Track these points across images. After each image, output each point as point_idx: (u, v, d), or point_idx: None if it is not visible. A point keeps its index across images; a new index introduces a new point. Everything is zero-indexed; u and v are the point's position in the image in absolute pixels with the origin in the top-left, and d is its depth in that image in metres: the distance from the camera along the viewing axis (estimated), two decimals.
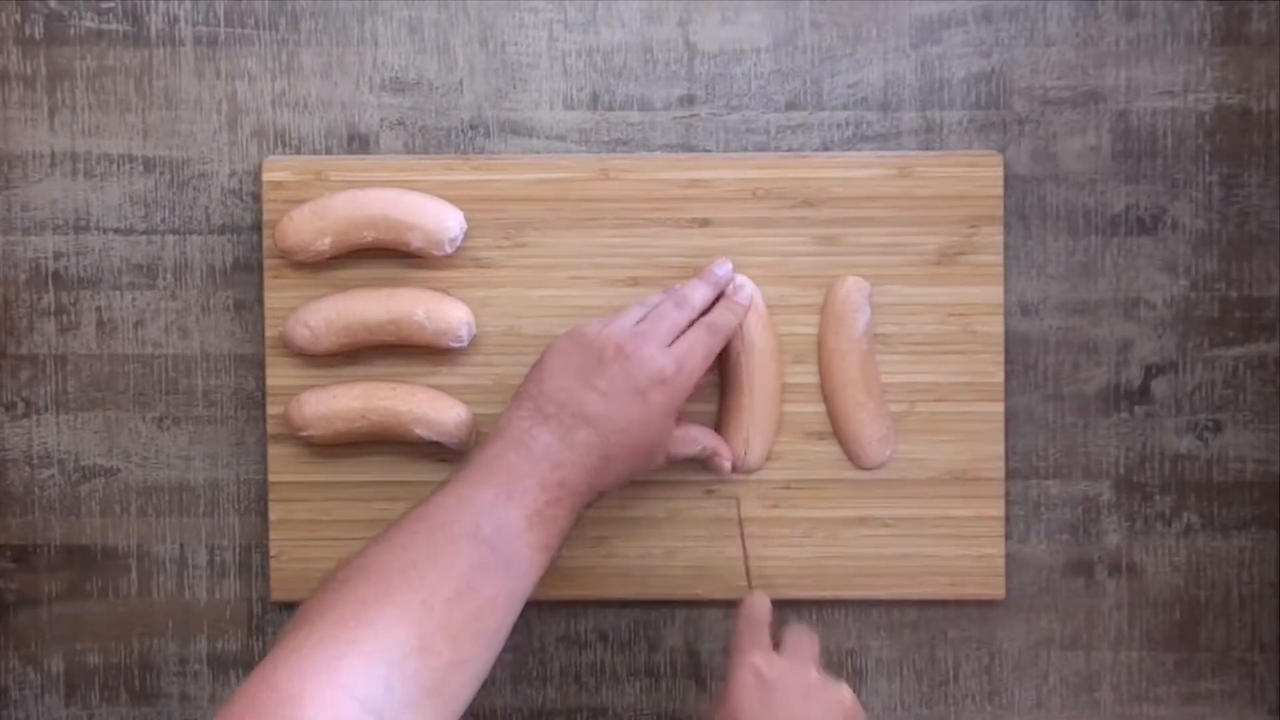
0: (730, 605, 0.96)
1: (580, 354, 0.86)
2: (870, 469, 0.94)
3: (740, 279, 0.92)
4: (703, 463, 0.92)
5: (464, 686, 0.76)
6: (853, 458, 0.94)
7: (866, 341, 0.93)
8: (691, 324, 0.89)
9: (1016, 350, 0.95)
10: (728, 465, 0.92)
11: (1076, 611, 0.97)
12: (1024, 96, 0.95)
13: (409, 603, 0.75)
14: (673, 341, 0.87)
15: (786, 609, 0.96)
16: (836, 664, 0.97)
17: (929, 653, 0.97)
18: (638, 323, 0.88)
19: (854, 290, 0.93)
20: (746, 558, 0.92)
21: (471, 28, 0.96)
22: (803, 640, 0.87)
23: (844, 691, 0.84)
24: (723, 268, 0.92)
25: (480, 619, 0.77)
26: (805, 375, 0.94)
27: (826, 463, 0.94)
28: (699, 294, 0.91)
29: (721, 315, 0.91)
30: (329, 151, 0.96)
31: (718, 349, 0.90)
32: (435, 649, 0.74)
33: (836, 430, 0.94)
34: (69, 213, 0.96)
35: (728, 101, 0.96)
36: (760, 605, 0.87)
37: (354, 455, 0.95)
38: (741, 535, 0.93)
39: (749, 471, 0.94)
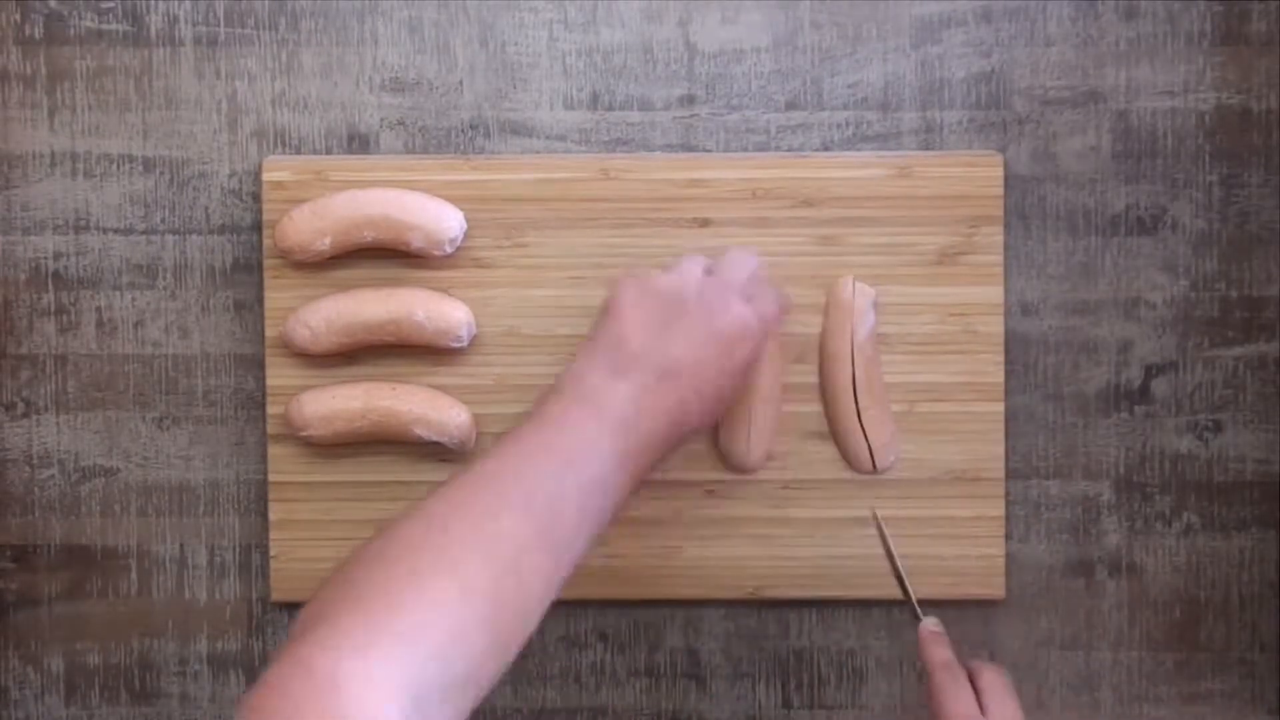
0: (730, 605, 0.96)
1: (656, 305, 0.83)
2: (872, 474, 0.94)
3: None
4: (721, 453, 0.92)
5: (498, 671, 0.71)
6: (851, 461, 0.94)
7: (871, 347, 0.93)
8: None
9: (1016, 350, 0.95)
10: None
11: (1076, 611, 0.97)
12: (1024, 96, 0.95)
13: (448, 589, 0.70)
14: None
15: (787, 609, 0.96)
16: (837, 664, 0.97)
17: None
18: (711, 269, 0.86)
19: (859, 295, 0.93)
20: (897, 570, 0.90)
21: (471, 28, 0.96)
22: (1002, 697, 0.84)
23: None
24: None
25: (525, 602, 0.73)
26: (805, 375, 0.94)
27: (826, 463, 0.94)
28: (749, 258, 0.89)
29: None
30: (329, 151, 0.96)
31: (783, 312, 0.89)
32: (473, 637, 0.69)
33: (834, 433, 0.94)
34: (69, 213, 0.96)
35: (728, 101, 0.96)
36: (939, 637, 0.86)
37: (354, 455, 0.95)
38: (887, 548, 0.91)
39: (749, 471, 0.94)
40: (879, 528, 0.91)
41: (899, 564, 0.90)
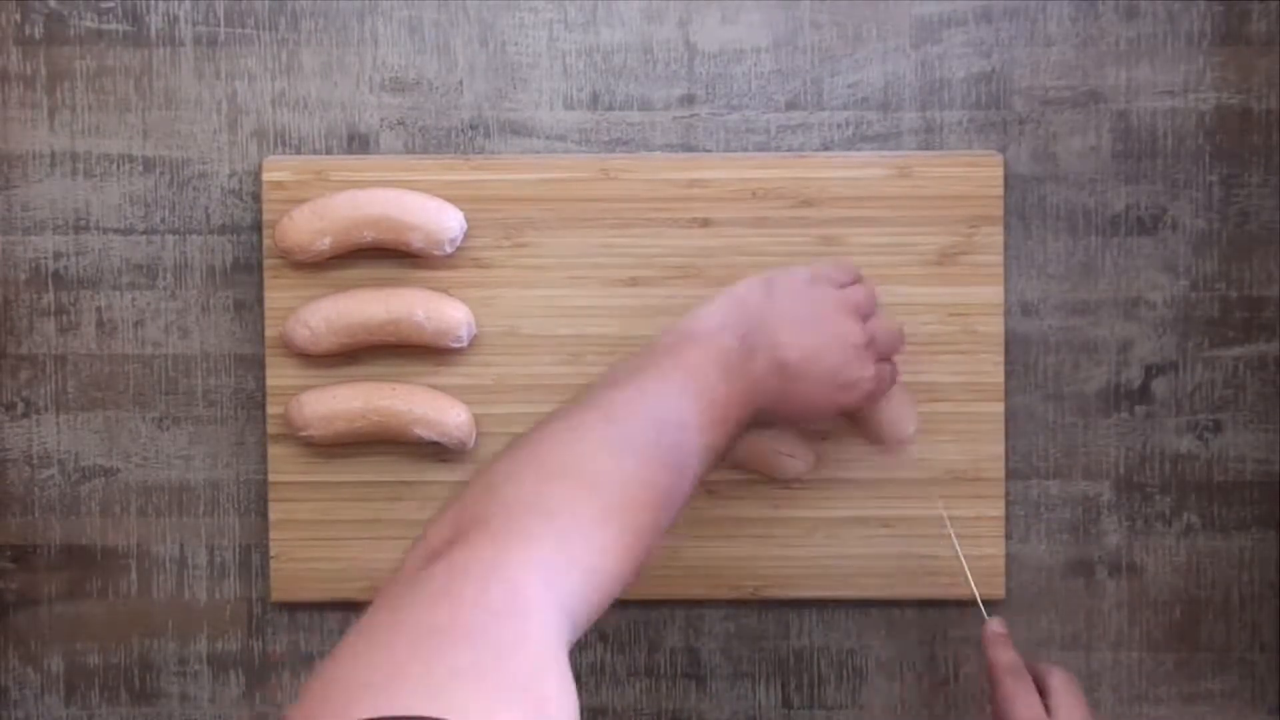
0: (730, 605, 0.96)
1: (808, 308, 0.84)
2: (902, 443, 0.93)
3: None
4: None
5: (612, 598, 0.68)
6: (880, 437, 0.93)
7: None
8: None
9: (1016, 350, 0.95)
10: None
11: (1076, 611, 0.97)
12: (1024, 96, 0.95)
13: (593, 514, 0.67)
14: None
15: (787, 609, 0.96)
16: (837, 664, 0.97)
17: (929, 653, 0.97)
18: (855, 296, 0.87)
19: None
20: (965, 566, 0.91)
21: (471, 28, 0.96)
22: (1071, 700, 0.84)
23: None
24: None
25: (647, 535, 0.70)
26: None
27: (827, 463, 0.94)
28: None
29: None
30: (329, 151, 0.96)
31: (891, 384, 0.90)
32: (608, 563, 0.67)
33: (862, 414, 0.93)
34: (69, 213, 0.96)
35: (728, 101, 0.96)
36: (1003, 639, 0.87)
37: (354, 455, 0.95)
38: (955, 547, 0.92)
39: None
40: (947, 525, 0.92)
41: (966, 564, 0.91)
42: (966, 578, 0.91)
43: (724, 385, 0.78)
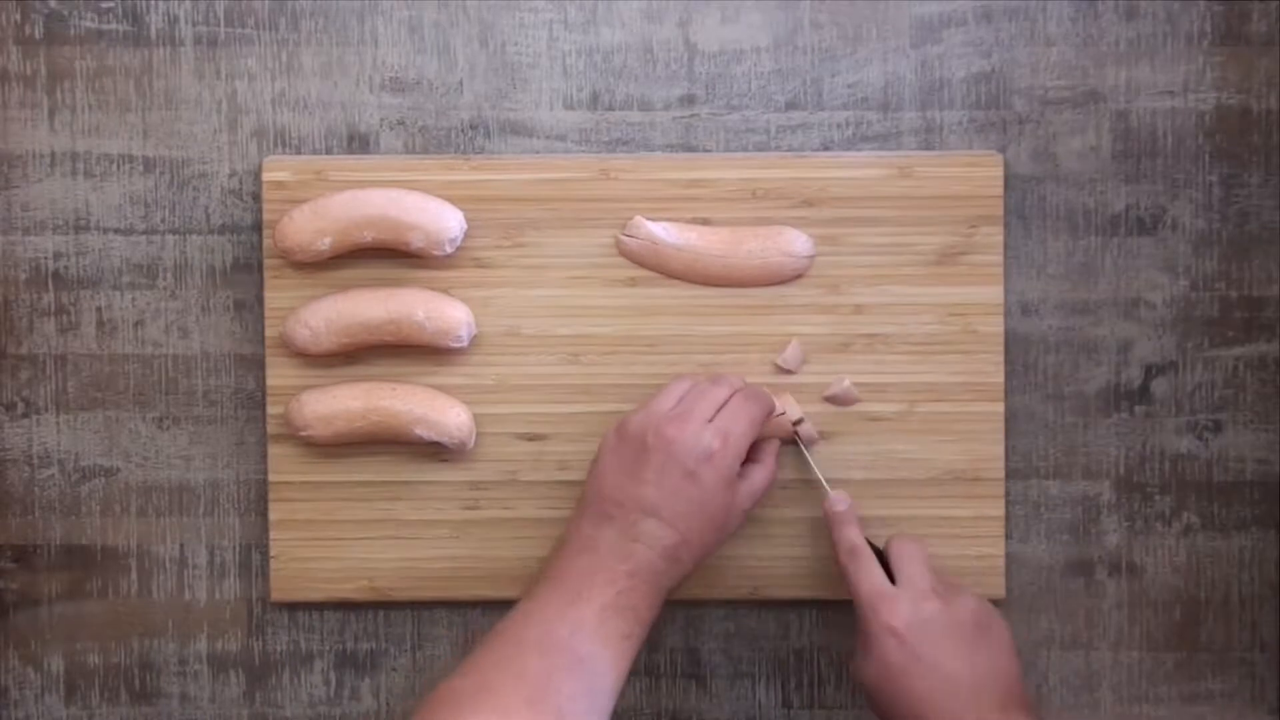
0: (730, 605, 0.96)
1: (627, 448, 0.86)
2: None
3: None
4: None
5: None
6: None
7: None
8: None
9: (1016, 350, 0.95)
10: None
11: (1076, 611, 0.97)
12: (1024, 96, 0.95)
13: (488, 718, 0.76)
14: (714, 416, 0.87)
15: (787, 609, 0.96)
16: (837, 664, 0.97)
17: None
18: (677, 403, 0.88)
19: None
20: (806, 452, 0.92)
21: (471, 28, 0.96)
22: (913, 564, 0.87)
23: (970, 603, 0.85)
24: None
25: (563, 716, 0.77)
26: (806, 375, 0.94)
27: (827, 463, 0.94)
28: (735, 376, 0.92)
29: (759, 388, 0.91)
30: (329, 151, 0.96)
31: (762, 417, 0.89)
32: None
33: None
34: (69, 213, 0.96)
35: (728, 101, 0.96)
36: (846, 515, 0.89)
37: (354, 455, 0.95)
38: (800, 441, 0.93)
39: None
40: (795, 430, 0.93)
41: (809, 452, 0.92)
42: (810, 464, 0.92)
43: (610, 588, 0.82)
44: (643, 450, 0.86)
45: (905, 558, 0.87)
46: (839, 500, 0.90)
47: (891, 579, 0.86)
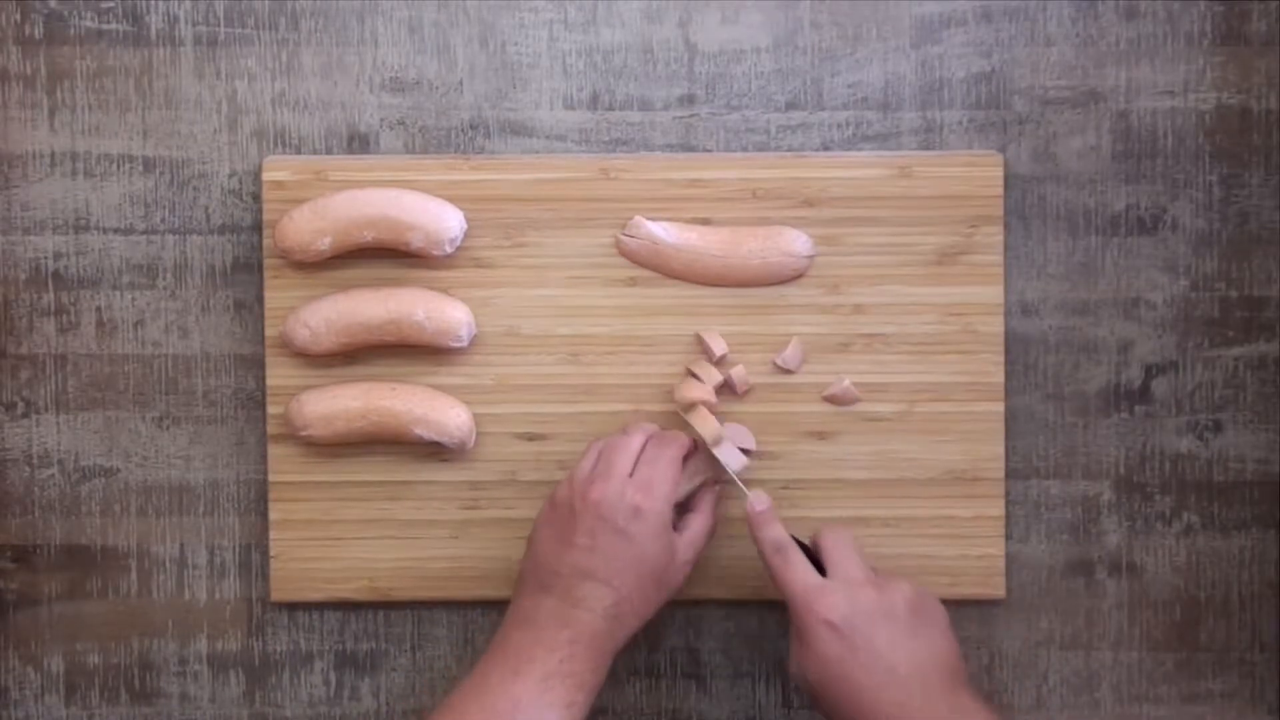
0: (730, 605, 0.96)
1: (558, 517, 0.87)
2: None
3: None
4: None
5: None
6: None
7: None
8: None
9: (1016, 350, 0.95)
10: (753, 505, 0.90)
11: (1076, 611, 0.97)
12: (1024, 96, 0.95)
13: None
14: (634, 469, 0.87)
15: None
16: None
17: None
18: (596, 462, 0.88)
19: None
20: (714, 458, 0.91)
21: (471, 28, 0.96)
22: (843, 554, 0.86)
23: (903, 589, 0.84)
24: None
25: None
26: (806, 375, 0.94)
27: (826, 463, 0.94)
28: (645, 423, 0.92)
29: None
30: (329, 151, 0.96)
31: (680, 456, 0.90)
32: None
33: None
34: (69, 213, 0.96)
35: (728, 101, 0.96)
36: (766, 515, 0.88)
37: (354, 455, 0.95)
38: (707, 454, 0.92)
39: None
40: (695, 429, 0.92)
41: (715, 451, 0.91)
42: (726, 465, 0.91)
43: (551, 656, 0.83)
44: (571, 516, 0.86)
45: (835, 548, 0.87)
46: (759, 500, 0.89)
47: (821, 572, 0.86)
